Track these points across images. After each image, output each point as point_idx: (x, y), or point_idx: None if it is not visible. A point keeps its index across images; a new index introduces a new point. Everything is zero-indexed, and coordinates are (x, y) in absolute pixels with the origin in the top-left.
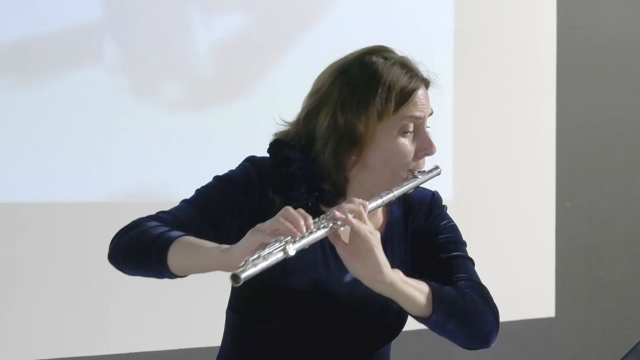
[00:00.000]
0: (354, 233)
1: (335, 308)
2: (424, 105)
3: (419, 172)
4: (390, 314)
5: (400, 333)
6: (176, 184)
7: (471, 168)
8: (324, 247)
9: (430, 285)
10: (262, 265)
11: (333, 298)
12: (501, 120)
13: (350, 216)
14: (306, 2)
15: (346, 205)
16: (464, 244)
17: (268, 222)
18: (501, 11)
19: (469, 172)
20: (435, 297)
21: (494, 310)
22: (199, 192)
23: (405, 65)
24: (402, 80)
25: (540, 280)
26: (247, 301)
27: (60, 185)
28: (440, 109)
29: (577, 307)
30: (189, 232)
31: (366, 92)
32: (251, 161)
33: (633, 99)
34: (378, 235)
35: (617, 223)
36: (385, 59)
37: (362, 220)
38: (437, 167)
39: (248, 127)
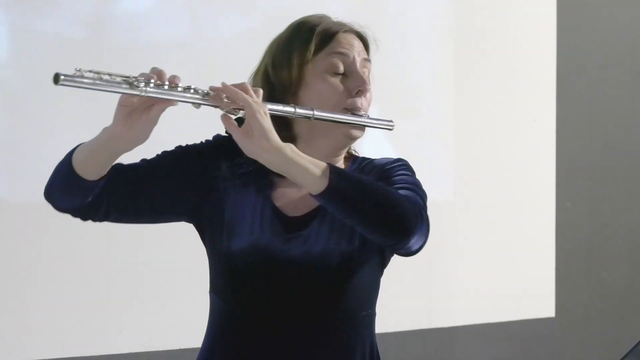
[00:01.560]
0: (235, 101)
1: (274, 268)
2: (351, 46)
3: (362, 115)
4: (329, 272)
5: (400, 333)
6: None
7: (471, 168)
8: (263, 210)
9: (329, 163)
10: (97, 83)
11: (271, 258)
12: (501, 120)
13: (230, 86)
14: (306, 2)
15: (234, 84)
16: (420, 189)
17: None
18: (501, 11)
19: (469, 172)
20: (333, 171)
21: (413, 204)
22: (157, 155)
23: (335, 20)
24: (325, 24)
25: (540, 280)
26: (213, 278)
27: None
28: (441, 109)
29: (577, 307)
30: (125, 177)
31: (289, 39)
32: (214, 137)
33: (633, 99)
34: (265, 107)
35: (617, 223)
36: (316, 16)
37: (248, 92)
38: (390, 120)
39: None
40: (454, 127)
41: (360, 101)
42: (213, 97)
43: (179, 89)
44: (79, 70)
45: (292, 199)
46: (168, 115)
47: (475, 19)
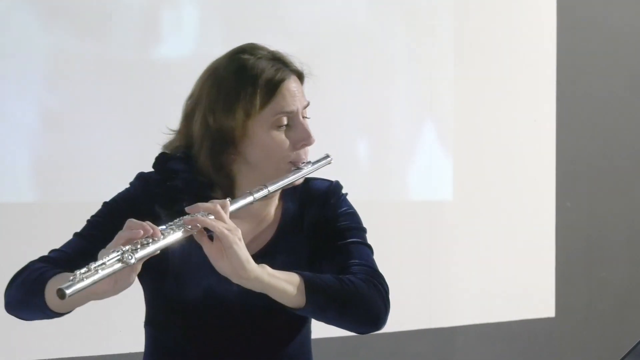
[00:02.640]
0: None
1: (228, 313)
2: (294, 97)
3: (304, 163)
4: (285, 312)
5: (400, 333)
6: None
7: (471, 168)
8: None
9: (302, 276)
10: (94, 277)
11: (224, 304)
12: (501, 120)
13: (202, 216)
14: (305, 2)
15: (201, 205)
16: (363, 230)
17: (114, 239)
18: (501, 11)
19: (469, 172)
20: (308, 287)
21: (380, 292)
22: (88, 221)
23: (273, 59)
24: (268, 74)
25: (540, 280)
26: (155, 314)
27: (60, 185)
28: (441, 109)
29: (577, 307)
30: (76, 266)
31: (232, 89)
32: (139, 178)
33: (633, 99)
34: (239, 232)
35: (617, 223)
36: (253, 55)
37: (220, 218)
38: (327, 156)
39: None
40: (454, 127)
41: (304, 152)
42: (190, 230)
43: (161, 237)
44: (76, 275)
45: None
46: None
47: (475, 19)
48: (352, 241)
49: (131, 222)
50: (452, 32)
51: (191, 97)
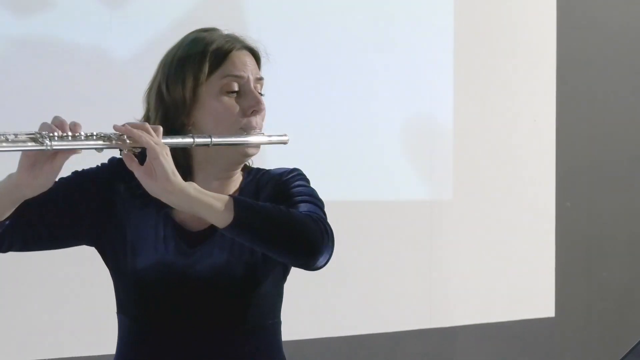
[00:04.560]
0: (137, 142)
1: (178, 284)
2: (245, 65)
3: (256, 132)
4: (234, 284)
5: (400, 333)
6: None
7: (471, 168)
8: (165, 227)
9: (232, 196)
10: (3, 146)
11: (176, 274)
12: (501, 120)
13: (131, 127)
14: (305, 1)
15: (131, 123)
16: (317, 199)
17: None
18: (501, 11)
19: (469, 172)
20: (237, 204)
21: (318, 224)
22: (55, 182)
23: (227, 35)
24: (218, 42)
25: (540, 280)
26: (118, 295)
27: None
28: (441, 109)
29: (577, 307)
30: (29, 215)
31: (183, 58)
32: (110, 160)
33: (633, 99)
34: (167, 148)
35: (617, 223)
36: (207, 31)
37: (149, 133)
38: (283, 135)
39: None
40: (454, 127)
41: (255, 120)
42: (116, 140)
43: (82, 137)
44: None
45: (190, 212)
46: None
47: (475, 19)
48: (300, 199)
49: (57, 117)
50: (452, 32)
51: (150, 82)
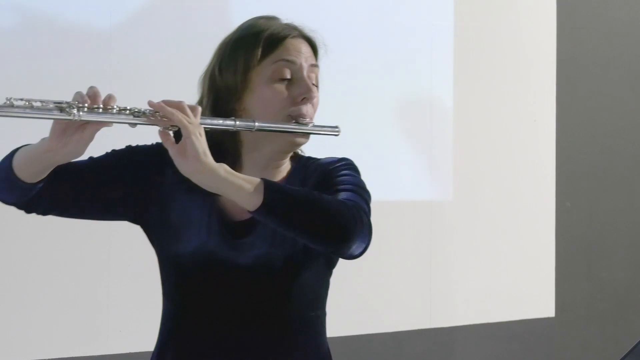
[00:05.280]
0: (171, 121)
1: (220, 272)
2: (299, 52)
3: (305, 122)
4: (274, 275)
5: (400, 333)
6: None
7: (471, 168)
8: (210, 215)
9: (263, 178)
10: (27, 111)
11: (217, 262)
12: (501, 120)
13: (165, 105)
14: (305, 1)
15: (167, 101)
16: (363, 189)
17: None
18: (501, 11)
19: (469, 172)
20: (267, 186)
21: (352, 209)
22: (107, 152)
23: (285, 23)
24: (274, 29)
25: (540, 280)
26: (162, 279)
27: None
28: (441, 109)
29: (577, 307)
30: (76, 183)
31: (236, 42)
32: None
33: (633, 99)
34: (201, 128)
35: (617, 223)
36: (266, 18)
37: (184, 112)
38: (334, 127)
39: None
40: (454, 127)
41: (306, 108)
42: (149, 116)
43: (114, 110)
44: (9, 100)
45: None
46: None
47: (475, 19)
48: (342, 187)
49: (91, 87)
50: (452, 32)
51: (205, 68)
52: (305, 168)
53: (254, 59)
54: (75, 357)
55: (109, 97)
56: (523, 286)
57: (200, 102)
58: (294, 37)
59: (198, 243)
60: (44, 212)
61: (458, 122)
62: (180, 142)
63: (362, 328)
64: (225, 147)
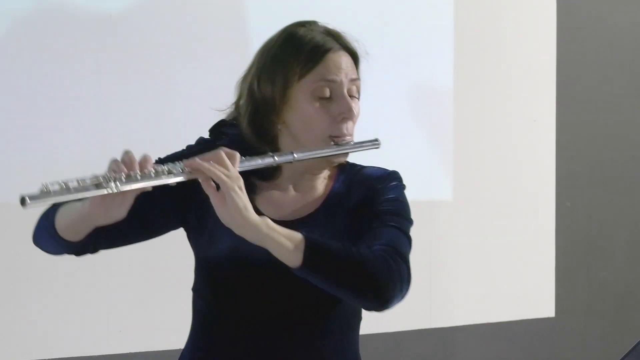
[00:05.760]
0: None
1: (252, 273)
2: (339, 69)
3: (346, 140)
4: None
5: (400, 333)
6: None
7: (471, 168)
8: None
9: (305, 235)
10: (65, 195)
11: (252, 263)
12: (501, 120)
13: (202, 162)
14: (305, 1)
15: (208, 155)
16: (405, 219)
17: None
18: (501, 11)
19: (469, 172)
20: (308, 245)
21: (392, 269)
22: None
23: (325, 33)
24: (313, 42)
25: (540, 280)
26: (195, 277)
27: None
28: (441, 109)
29: (577, 307)
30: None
31: (276, 56)
32: (196, 141)
33: (633, 99)
34: (240, 181)
35: (617, 223)
36: (306, 27)
37: (223, 165)
38: (374, 140)
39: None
40: (454, 127)
41: (346, 127)
42: (187, 173)
43: (152, 173)
44: (45, 187)
45: (276, 202)
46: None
47: (475, 19)
48: (388, 225)
49: (126, 152)
50: (452, 32)
51: (246, 70)
52: (350, 177)
53: (294, 77)
54: (75, 357)
55: (145, 161)
56: (523, 286)
57: (237, 104)
58: (334, 51)
59: (234, 246)
60: (93, 252)
61: (458, 122)
62: (221, 191)
63: (362, 328)
64: (262, 151)
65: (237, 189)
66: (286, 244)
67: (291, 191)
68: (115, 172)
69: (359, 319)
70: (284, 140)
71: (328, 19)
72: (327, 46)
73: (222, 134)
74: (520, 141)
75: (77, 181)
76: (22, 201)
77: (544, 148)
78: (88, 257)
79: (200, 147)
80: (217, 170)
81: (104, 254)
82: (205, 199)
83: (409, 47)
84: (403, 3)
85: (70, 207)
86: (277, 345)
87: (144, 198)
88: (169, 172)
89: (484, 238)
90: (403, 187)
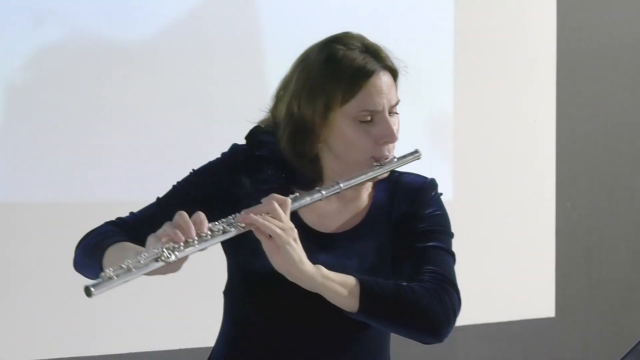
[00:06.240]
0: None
1: (296, 291)
2: (380, 94)
3: (388, 159)
4: None
5: None
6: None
7: (471, 168)
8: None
9: (359, 280)
10: (127, 276)
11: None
12: (501, 120)
13: (256, 216)
14: (305, 1)
15: (259, 206)
16: (448, 234)
17: (162, 227)
18: (501, 11)
19: (469, 172)
20: (363, 292)
21: (445, 304)
22: (172, 187)
23: (366, 52)
24: (355, 67)
25: (540, 280)
26: (230, 283)
27: (60, 185)
28: (441, 109)
29: (577, 307)
30: (144, 232)
31: (317, 79)
32: (231, 149)
33: (633, 99)
34: (294, 232)
35: (617, 223)
36: (345, 45)
37: (276, 216)
38: (415, 152)
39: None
40: (454, 127)
41: (387, 148)
42: (240, 227)
43: (207, 236)
44: (105, 273)
45: (320, 213)
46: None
47: (475, 19)
48: (432, 245)
49: (181, 217)
50: (452, 32)
51: (283, 80)
52: (391, 186)
53: (335, 103)
54: (75, 357)
55: (200, 223)
56: (523, 286)
57: (273, 112)
58: (375, 74)
59: None
60: None
61: (458, 122)
62: (273, 239)
63: None
64: (299, 169)
65: (292, 242)
66: (341, 292)
67: (334, 201)
68: (173, 242)
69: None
70: (325, 158)
71: (328, 19)
72: (368, 69)
73: (261, 143)
74: (520, 141)
75: (139, 257)
76: (88, 292)
77: (544, 148)
78: None
79: (238, 158)
80: (271, 225)
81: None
82: (245, 207)
83: (409, 47)
84: (403, 3)
85: (119, 257)
86: (315, 352)
87: (190, 207)
88: (224, 231)
89: (483, 238)
90: (440, 195)
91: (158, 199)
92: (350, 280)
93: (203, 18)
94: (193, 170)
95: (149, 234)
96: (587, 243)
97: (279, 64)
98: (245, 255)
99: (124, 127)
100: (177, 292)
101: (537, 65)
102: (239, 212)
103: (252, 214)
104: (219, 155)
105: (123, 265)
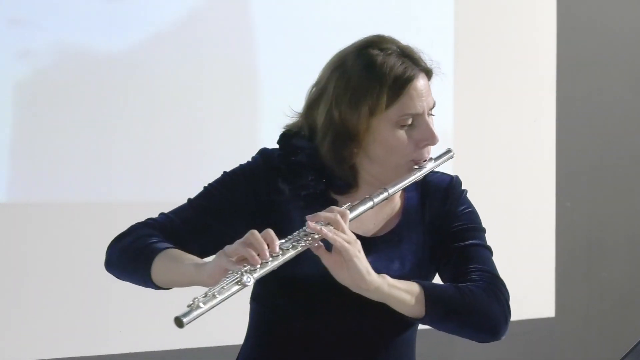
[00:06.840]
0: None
1: (342, 298)
2: (420, 97)
3: (425, 161)
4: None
5: None
6: (177, 183)
7: (471, 168)
8: None
9: (422, 286)
10: (212, 302)
11: (339, 289)
12: (501, 120)
13: (324, 228)
14: (305, 1)
15: (322, 214)
16: (482, 230)
17: (233, 245)
18: (501, 11)
19: (469, 171)
20: (428, 298)
21: (500, 301)
22: (204, 189)
23: (402, 56)
24: (396, 72)
25: (540, 280)
26: (264, 290)
27: (60, 185)
28: (441, 109)
29: (577, 307)
30: (181, 236)
31: (359, 86)
32: (261, 153)
33: (633, 99)
34: (358, 244)
35: (617, 223)
36: (382, 50)
37: (340, 229)
38: (448, 151)
39: (252, 124)
40: (454, 127)
41: (427, 150)
42: (307, 241)
43: (279, 254)
44: (194, 302)
45: (358, 217)
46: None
47: (475, 19)
48: (471, 243)
49: (253, 236)
50: (452, 32)
51: (317, 84)
52: (420, 187)
53: (380, 108)
54: (75, 357)
55: (272, 241)
56: (523, 286)
57: (305, 115)
58: (415, 78)
59: (322, 267)
60: None
61: (458, 122)
62: (334, 253)
63: None
64: (339, 175)
65: (358, 254)
66: (408, 300)
67: None
68: (250, 263)
69: (414, 329)
70: (361, 163)
71: (328, 19)
72: (408, 74)
73: (295, 148)
74: (520, 141)
75: (222, 283)
76: (180, 324)
77: (544, 148)
78: (88, 258)
79: (272, 164)
80: (339, 238)
81: (103, 254)
82: (284, 213)
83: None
84: (403, 3)
85: (172, 264)
86: (353, 355)
87: (214, 222)
88: (292, 248)
89: None
90: (466, 192)
91: (190, 200)
92: (414, 286)
93: (199, 21)
94: (225, 172)
95: (189, 239)
96: (587, 243)
97: (272, 70)
98: (285, 264)
99: (125, 128)
100: (177, 292)
101: (537, 65)
102: (280, 215)
103: (323, 229)
104: (219, 155)
105: (209, 293)
